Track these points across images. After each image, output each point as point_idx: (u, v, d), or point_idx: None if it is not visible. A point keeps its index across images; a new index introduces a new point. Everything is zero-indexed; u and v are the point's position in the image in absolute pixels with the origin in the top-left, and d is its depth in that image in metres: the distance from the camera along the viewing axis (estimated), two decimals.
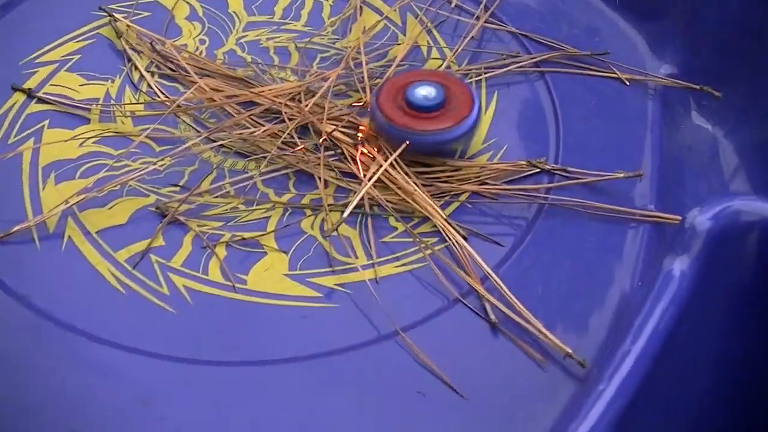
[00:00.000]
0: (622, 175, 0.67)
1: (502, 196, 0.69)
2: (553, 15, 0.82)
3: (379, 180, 0.70)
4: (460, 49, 0.79)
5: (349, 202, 0.67)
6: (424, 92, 0.71)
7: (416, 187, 0.69)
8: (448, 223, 0.67)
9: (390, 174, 0.70)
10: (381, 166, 0.69)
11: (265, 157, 0.71)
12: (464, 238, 0.66)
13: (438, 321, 0.62)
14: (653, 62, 0.78)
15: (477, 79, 0.78)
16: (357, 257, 0.66)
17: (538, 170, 0.70)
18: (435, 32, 0.82)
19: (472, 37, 0.81)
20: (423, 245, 0.66)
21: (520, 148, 0.73)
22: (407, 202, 0.68)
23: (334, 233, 0.67)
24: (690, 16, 0.78)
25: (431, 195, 0.69)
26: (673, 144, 0.73)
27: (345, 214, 0.66)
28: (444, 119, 0.70)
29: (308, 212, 0.69)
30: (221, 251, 0.66)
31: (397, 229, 0.68)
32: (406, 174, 0.70)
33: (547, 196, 0.68)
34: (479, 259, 0.64)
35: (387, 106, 0.71)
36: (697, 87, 0.75)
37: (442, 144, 0.71)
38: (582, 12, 0.82)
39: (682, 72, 0.77)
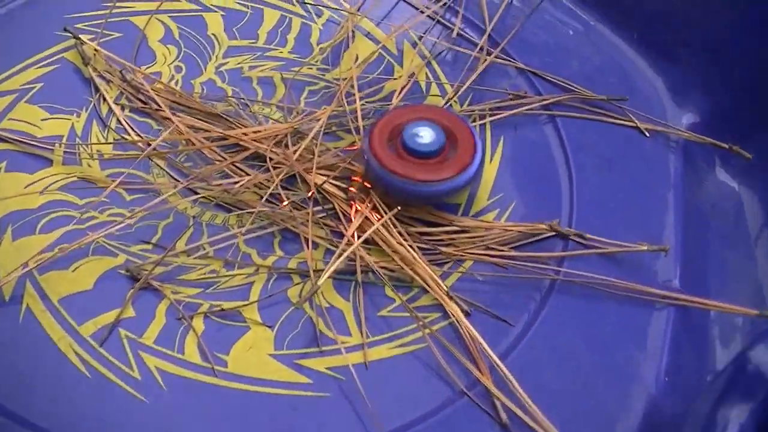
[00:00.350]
0: (645, 248, 0.61)
1: (511, 265, 0.62)
2: (564, 50, 0.75)
3: (373, 242, 0.63)
4: (464, 88, 0.72)
5: (327, 268, 0.60)
6: (423, 135, 0.64)
7: (414, 253, 0.62)
8: (450, 297, 0.60)
9: (384, 235, 0.63)
10: (370, 226, 0.62)
11: (249, 212, 0.64)
12: (467, 313, 0.60)
13: (440, 419, 0.56)
14: (674, 108, 0.71)
15: (482, 122, 0.70)
16: (350, 334, 0.60)
17: (551, 234, 0.63)
18: (435, 65, 0.75)
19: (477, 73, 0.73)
20: (421, 323, 0.59)
21: (529, 204, 0.66)
22: (404, 269, 0.62)
23: (323, 304, 0.60)
24: (714, 59, 0.71)
25: (431, 262, 0.62)
26: (697, 202, 0.66)
27: (320, 281, 0.59)
28: (444, 167, 0.63)
29: (296, 278, 0.62)
30: (199, 324, 0.59)
31: (395, 300, 0.61)
32: (402, 236, 0.63)
33: (560, 269, 0.61)
34: (485, 346, 0.58)
35: (380, 149, 0.64)
36: (726, 146, 0.68)
37: (439, 196, 0.64)
38: (595, 48, 0.75)
39: (706, 121, 0.71)
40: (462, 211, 0.65)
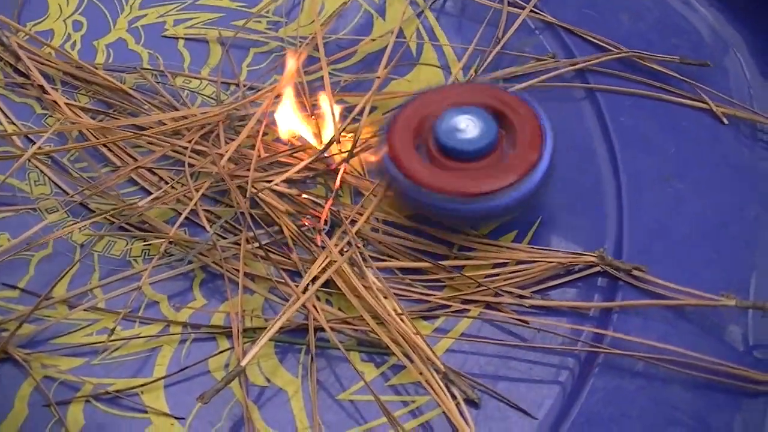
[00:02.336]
0: (733, 302, 0.41)
1: (537, 324, 0.43)
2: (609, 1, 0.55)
3: (334, 287, 0.44)
4: (470, 50, 0.52)
5: (260, 338, 0.41)
6: (465, 127, 0.44)
7: (388, 305, 0.42)
8: (445, 377, 0.41)
9: (347, 276, 0.43)
10: (329, 265, 0.43)
11: (157, 241, 0.45)
12: (472, 402, 0.40)
13: None
14: (762, 82, 0.51)
15: None
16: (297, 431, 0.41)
17: (593, 269, 0.44)
18: (431, 18, 0.54)
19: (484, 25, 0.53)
20: (395, 425, 0.40)
21: (561, 221, 0.47)
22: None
23: (259, 382, 0.41)
24: None
25: (415, 314, 0.43)
26: None
27: (245, 360, 0.40)
28: (499, 172, 0.43)
29: (222, 340, 0.43)
30: (77, 416, 0.41)
31: (365, 373, 0.42)
32: (375, 274, 0.44)
33: (605, 332, 0.42)
34: None
35: (405, 153, 0.44)
36: None
37: (497, 214, 0.44)
38: None
39: None
40: (464, 233, 0.46)
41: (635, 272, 0.44)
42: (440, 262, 0.45)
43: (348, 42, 0.53)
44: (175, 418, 0.41)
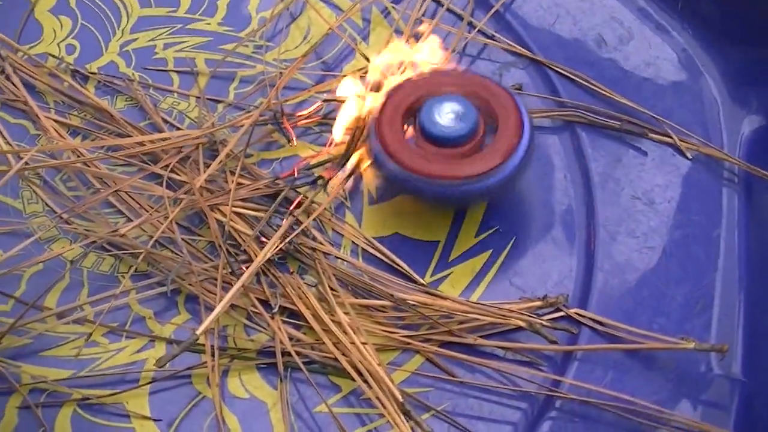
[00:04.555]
0: (692, 345, 0.43)
1: (487, 366, 0.44)
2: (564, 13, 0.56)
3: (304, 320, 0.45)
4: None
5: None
6: (449, 115, 0.47)
7: (354, 336, 0.44)
8: (404, 412, 0.42)
9: (314, 306, 0.45)
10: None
11: (134, 256, 0.47)
12: None
13: None
14: (734, 109, 0.52)
15: None
16: None
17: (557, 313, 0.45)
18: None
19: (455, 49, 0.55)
20: None
21: (534, 244, 0.48)
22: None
23: (240, 394, 0.43)
24: None
25: (377, 346, 0.44)
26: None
27: (200, 330, 0.42)
28: (482, 155, 0.46)
29: (204, 356, 0.44)
30: (64, 425, 0.43)
31: (341, 389, 0.44)
32: (343, 307, 0.45)
33: (560, 379, 0.43)
34: None
35: (391, 135, 0.47)
36: None
37: (479, 195, 0.47)
38: (621, 13, 0.56)
39: None
40: (440, 252, 0.47)
41: (593, 317, 0.45)
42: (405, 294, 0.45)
43: (333, 65, 0.55)
44: (155, 420, 0.43)
